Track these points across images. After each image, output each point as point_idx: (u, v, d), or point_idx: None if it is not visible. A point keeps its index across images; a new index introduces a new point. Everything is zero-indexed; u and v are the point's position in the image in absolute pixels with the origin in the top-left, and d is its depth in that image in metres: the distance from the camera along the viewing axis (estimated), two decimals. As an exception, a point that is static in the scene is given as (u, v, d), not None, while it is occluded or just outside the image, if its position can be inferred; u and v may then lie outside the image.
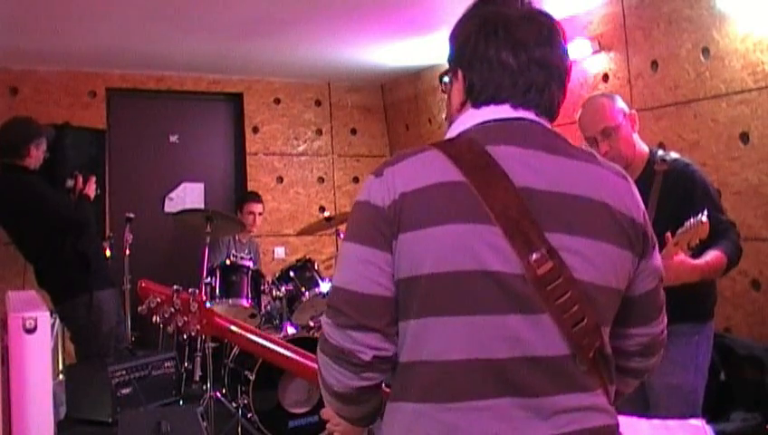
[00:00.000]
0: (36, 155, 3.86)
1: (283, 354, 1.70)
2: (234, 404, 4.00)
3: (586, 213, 1.17)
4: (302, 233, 5.22)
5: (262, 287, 4.42)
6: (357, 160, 6.42)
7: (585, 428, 1.14)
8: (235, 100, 6.09)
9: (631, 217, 1.21)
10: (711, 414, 2.73)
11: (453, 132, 1.26)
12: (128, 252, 4.71)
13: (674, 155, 2.51)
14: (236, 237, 5.15)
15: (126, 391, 3.82)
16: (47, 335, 2.39)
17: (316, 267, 4.60)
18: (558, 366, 1.14)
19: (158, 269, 4.94)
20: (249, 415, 3.92)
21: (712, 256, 2.25)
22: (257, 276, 4.44)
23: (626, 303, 1.25)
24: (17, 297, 2.79)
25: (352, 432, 1.38)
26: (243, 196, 5.55)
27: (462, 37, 1.26)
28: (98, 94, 5.51)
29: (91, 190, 4.12)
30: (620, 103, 2.48)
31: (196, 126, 5.99)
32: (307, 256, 4.81)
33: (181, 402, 4.17)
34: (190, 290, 1.72)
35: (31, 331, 2.30)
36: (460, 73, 1.26)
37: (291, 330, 4.26)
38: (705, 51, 3.59)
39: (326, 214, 5.07)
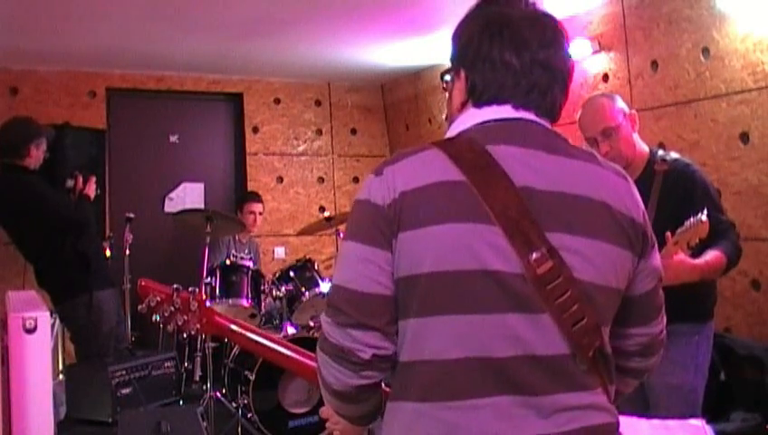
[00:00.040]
0: (36, 155, 3.86)
1: (283, 353, 1.70)
2: (234, 404, 4.00)
3: (586, 213, 1.17)
4: (302, 233, 5.22)
5: (262, 287, 4.42)
6: (357, 160, 6.42)
7: (586, 426, 1.15)
8: (235, 100, 6.10)
9: (631, 217, 1.21)
10: (711, 414, 2.73)
11: (453, 132, 1.26)
12: (128, 252, 4.71)
13: (674, 155, 2.51)
14: (236, 237, 5.16)
15: (126, 391, 3.82)
16: (47, 335, 2.39)
17: (316, 267, 4.60)
18: (558, 365, 1.14)
19: (158, 269, 4.94)
20: (249, 415, 3.92)
21: (711, 255, 2.25)
22: (257, 276, 4.44)
23: (625, 303, 1.25)
24: (17, 297, 2.79)
25: (352, 431, 1.38)
26: (243, 196, 5.55)
27: (465, 37, 1.26)
28: (98, 94, 5.51)
29: (91, 190, 4.12)
30: (620, 103, 2.48)
31: (196, 126, 6.00)
32: (307, 256, 4.81)
33: (181, 402, 4.17)
34: (190, 289, 1.72)
35: (31, 331, 2.30)
36: (462, 73, 1.26)
37: (291, 330, 4.26)
38: (705, 51, 3.59)
39: (326, 214, 5.07)
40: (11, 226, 3.95)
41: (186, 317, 1.69)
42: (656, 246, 1.28)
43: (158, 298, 1.67)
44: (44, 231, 3.83)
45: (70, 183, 4.10)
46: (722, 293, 2.82)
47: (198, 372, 4.20)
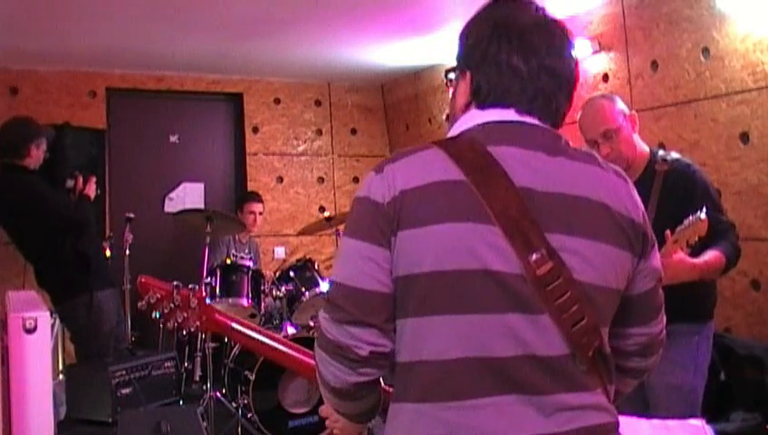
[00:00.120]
0: (36, 155, 3.86)
1: (283, 352, 1.70)
2: (234, 404, 4.01)
3: (586, 214, 1.17)
4: (302, 233, 5.22)
5: (262, 287, 4.42)
6: (357, 160, 6.42)
7: (586, 426, 1.15)
8: (235, 100, 6.10)
9: (630, 218, 1.21)
10: (711, 414, 2.74)
11: (455, 131, 1.26)
12: (128, 252, 4.72)
13: (674, 155, 2.51)
14: (236, 237, 5.16)
15: (126, 391, 3.82)
16: (47, 335, 2.39)
17: (316, 267, 4.61)
18: (558, 366, 1.14)
19: (158, 269, 4.90)
20: (249, 415, 3.92)
21: (711, 255, 2.26)
22: (257, 276, 4.44)
23: (625, 303, 1.25)
24: (17, 297, 2.79)
25: (351, 429, 1.38)
26: (243, 196, 5.55)
27: (473, 38, 1.25)
28: (98, 94, 5.51)
29: (92, 190, 4.12)
30: (620, 105, 2.48)
31: (196, 126, 6.00)
32: (307, 256, 4.82)
33: (181, 402, 4.17)
34: (190, 286, 1.72)
35: (31, 331, 2.30)
36: (468, 74, 1.26)
37: (291, 330, 4.26)
38: (705, 51, 3.59)
39: (326, 214, 5.07)
40: (11, 226, 3.95)
41: (185, 314, 1.68)
42: (656, 246, 1.28)
43: (158, 295, 1.67)
44: (44, 231, 3.83)
45: (70, 183, 4.10)
46: (722, 293, 2.82)
47: (198, 372, 4.20)
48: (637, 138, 2.49)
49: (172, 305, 1.68)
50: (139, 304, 1.68)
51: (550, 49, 1.21)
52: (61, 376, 4.32)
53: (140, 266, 4.67)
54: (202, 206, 5.74)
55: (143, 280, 1.68)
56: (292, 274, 4.53)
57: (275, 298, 4.45)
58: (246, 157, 6.03)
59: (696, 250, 2.21)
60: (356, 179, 6.35)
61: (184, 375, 4.38)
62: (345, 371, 1.18)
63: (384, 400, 1.29)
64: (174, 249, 5.69)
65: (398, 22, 4.48)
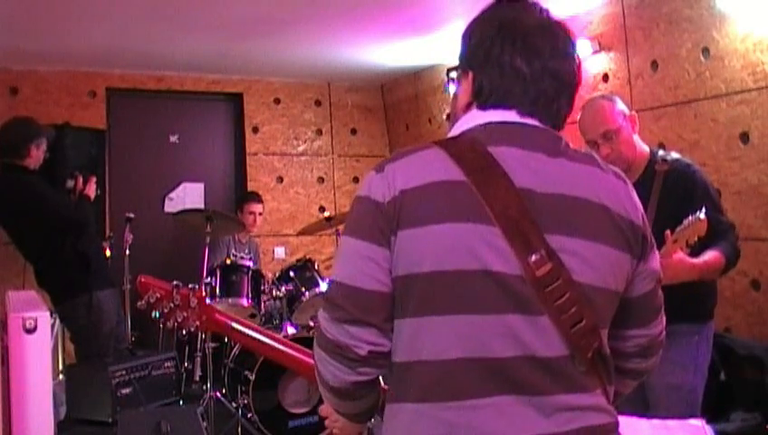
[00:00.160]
0: (37, 155, 3.86)
1: (283, 351, 1.70)
2: (234, 404, 4.01)
3: (585, 215, 1.17)
4: (302, 233, 5.22)
5: (262, 287, 4.42)
6: (357, 160, 6.42)
7: (586, 426, 1.15)
8: (235, 100, 6.10)
9: (630, 220, 1.21)
10: (711, 414, 2.73)
11: (455, 131, 1.26)
12: (128, 252, 4.72)
13: (674, 155, 2.51)
14: (236, 237, 5.16)
15: (126, 391, 3.81)
16: (47, 335, 2.40)
17: (316, 267, 4.61)
18: (557, 366, 1.14)
19: (158, 269, 4.89)
20: (249, 415, 3.92)
21: (710, 255, 2.26)
22: (257, 276, 4.44)
23: (624, 304, 1.25)
24: (17, 297, 2.79)
25: (350, 429, 1.38)
26: (243, 196, 5.55)
27: (476, 38, 1.25)
28: (98, 94, 5.51)
29: (92, 191, 4.12)
30: (620, 105, 2.48)
31: (196, 126, 6.00)
32: (307, 256, 4.82)
33: (181, 402, 4.17)
34: (190, 286, 1.72)
35: (31, 331, 2.30)
36: (470, 74, 1.25)
37: (291, 330, 4.26)
38: (705, 51, 3.59)
39: (326, 214, 5.07)
40: (11, 226, 3.95)
41: (185, 314, 1.68)
42: (655, 248, 1.28)
43: (158, 295, 1.67)
44: (44, 231, 3.83)
45: (70, 183, 4.10)
46: (722, 293, 2.82)
47: (198, 372, 4.20)
48: (637, 138, 2.49)
49: (172, 305, 1.68)
50: (139, 303, 1.68)
51: (553, 51, 1.21)
52: (61, 376, 4.32)
53: (140, 266, 4.67)
54: (202, 206, 5.74)
55: (143, 280, 1.68)
56: (292, 274, 4.53)
57: (275, 298, 4.45)
58: (246, 157, 6.03)
59: (695, 250, 2.21)
60: (356, 179, 6.35)
61: (184, 375, 4.38)
62: (344, 370, 1.18)
63: (383, 399, 1.29)
64: (174, 249, 5.69)
65: (398, 22, 4.47)
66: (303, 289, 4.45)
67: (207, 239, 4.33)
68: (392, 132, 6.54)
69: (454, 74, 1.32)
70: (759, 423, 3.10)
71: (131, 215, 4.76)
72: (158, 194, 5.78)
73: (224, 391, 4.12)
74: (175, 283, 1.70)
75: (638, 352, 1.33)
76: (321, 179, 6.29)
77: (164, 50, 4.98)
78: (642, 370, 1.37)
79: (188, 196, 5.84)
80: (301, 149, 6.23)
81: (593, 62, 4.25)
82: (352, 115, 6.44)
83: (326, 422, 1.42)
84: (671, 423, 1.73)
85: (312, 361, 1.30)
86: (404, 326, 1.17)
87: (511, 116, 1.22)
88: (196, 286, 1.73)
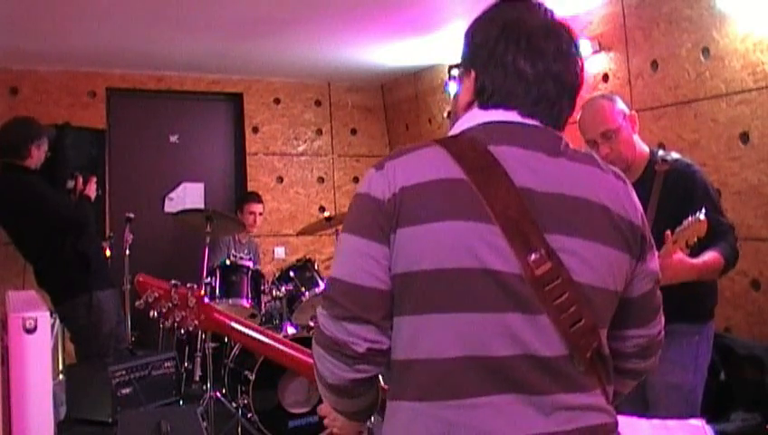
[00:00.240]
0: (37, 155, 3.86)
1: (282, 350, 1.70)
2: (234, 404, 4.00)
3: (585, 215, 1.17)
4: (302, 233, 5.22)
5: (262, 287, 4.42)
6: (357, 160, 6.42)
7: (586, 426, 1.15)
8: (235, 100, 6.10)
9: (629, 220, 1.21)
10: (711, 414, 2.73)
11: (456, 130, 1.26)
12: (128, 252, 4.71)
13: (674, 155, 2.51)
14: (236, 237, 5.16)
15: (126, 391, 3.81)
16: (47, 335, 2.40)
17: (316, 267, 4.61)
18: (556, 366, 1.14)
19: (158, 269, 4.86)
20: (249, 415, 3.92)
21: (709, 256, 2.26)
22: (257, 276, 4.44)
23: (623, 304, 1.25)
24: (17, 297, 2.79)
25: (350, 428, 1.38)
26: (243, 196, 5.55)
27: (480, 37, 1.25)
28: (98, 94, 5.51)
29: (92, 191, 4.12)
30: (620, 105, 2.48)
31: (196, 126, 6.00)
32: (307, 256, 4.81)
33: (181, 402, 4.17)
34: (188, 285, 1.71)
35: (31, 331, 2.30)
36: (473, 73, 1.25)
37: (291, 330, 4.26)
38: (705, 51, 3.59)
39: (326, 214, 5.07)
40: (11, 226, 3.95)
41: (183, 313, 1.68)
42: (654, 248, 1.28)
43: (156, 294, 1.66)
44: (44, 231, 3.82)
45: (70, 184, 4.09)
46: (722, 293, 2.82)
47: (198, 372, 4.20)
48: (637, 138, 2.49)
49: (170, 304, 1.67)
50: (137, 302, 1.68)
51: (557, 54, 1.21)
52: (61, 376, 4.32)
53: (140, 266, 4.64)
54: (202, 206, 5.74)
55: (141, 279, 1.68)
56: (292, 274, 4.53)
57: (275, 298, 4.45)
58: (246, 157, 6.03)
59: (695, 250, 2.21)
60: (356, 179, 6.34)
61: (184, 375, 4.38)
62: (342, 367, 1.18)
63: (383, 398, 1.29)
64: (174, 249, 5.69)
65: (398, 22, 4.47)
66: (303, 289, 4.45)
67: (207, 239, 4.34)
68: (392, 132, 6.54)
69: (455, 72, 1.32)
70: (759, 423, 3.10)
71: (131, 215, 4.76)
72: (158, 194, 5.78)
73: (224, 391, 4.12)
74: (173, 282, 1.70)
75: (637, 353, 1.33)
76: (321, 179, 6.29)
77: (164, 50, 4.98)
78: (641, 370, 1.37)
79: (188, 196, 5.83)
80: (301, 149, 6.23)
81: (593, 62, 4.25)
82: (352, 115, 6.44)
83: (325, 421, 1.42)
84: (671, 423, 1.73)
85: (310, 360, 1.30)
86: (403, 324, 1.17)
87: (512, 116, 1.22)
88: (195, 285, 1.73)
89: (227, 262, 4.44)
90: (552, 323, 1.13)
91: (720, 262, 2.28)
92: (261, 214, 5.28)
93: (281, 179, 6.14)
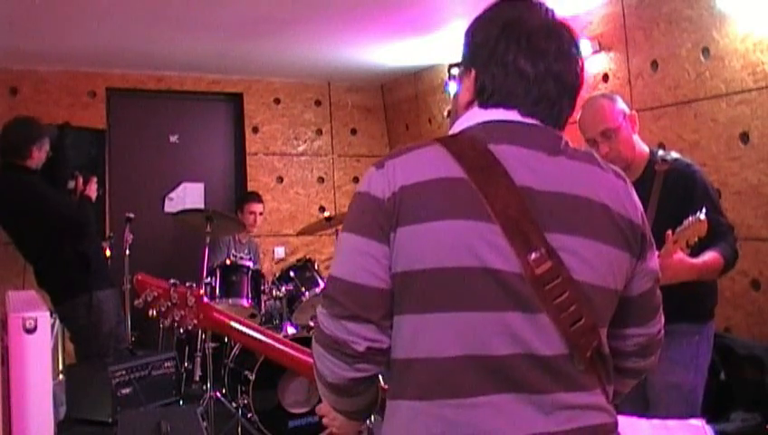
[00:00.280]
0: (38, 156, 3.85)
1: (281, 349, 1.70)
2: (234, 404, 4.00)
3: (585, 214, 1.17)
4: (302, 233, 5.22)
5: (262, 287, 4.42)
6: (357, 160, 6.42)
7: (585, 425, 1.15)
8: (235, 100, 6.10)
9: (629, 219, 1.21)
10: (711, 414, 2.73)
11: (456, 129, 1.26)
12: (128, 252, 4.71)
13: (674, 155, 2.51)
14: (236, 237, 5.16)
15: (126, 391, 3.81)
16: (47, 335, 2.39)
17: (316, 267, 4.61)
18: (556, 365, 1.14)
19: (158, 269, 4.85)
20: (249, 415, 3.92)
21: (709, 256, 2.27)
22: (257, 276, 4.44)
23: (623, 303, 1.25)
24: (17, 297, 2.79)
25: (349, 427, 1.38)
26: (243, 196, 5.55)
27: (480, 37, 1.25)
28: (98, 94, 5.51)
29: (93, 191, 4.12)
30: (621, 104, 2.48)
31: (196, 126, 6.00)
32: (307, 256, 4.82)
33: (181, 402, 4.17)
34: (187, 284, 1.71)
35: (31, 331, 2.30)
36: (473, 72, 1.25)
37: (291, 330, 4.26)
38: (705, 51, 3.59)
39: (326, 214, 5.07)
40: (11, 226, 3.95)
41: (183, 312, 1.67)
42: (654, 247, 1.28)
43: (156, 293, 1.66)
44: (44, 231, 3.82)
45: (71, 184, 4.09)
46: (722, 293, 2.82)
47: (198, 372, 4.20)
48: (636, 138, 2.49)
49: (169, 303, 1.67)
50: (136, 301, 1.67)
51: (558, 53, 1.21)
52: (61, 376, 4.32)
53: (140, 267, 4.63)
54: (202, 206, 5.73)
55: (140, 278, 1.68)
56: (292, 274, 4.53)
57: (275, 298, 4.45)
58: (246, 157, 6.03)
59: (694, 250, 2.22)
60: (356, 179, 6.34)
61: (184, 375, 4.38)
62: (342, 366, 1.18)
63: (382, 398, 1.29)
64: (174, 249, 5.69)
65: (398, 22, 4.47)
66: (303, 289, 4.45)
67: (207, 239, 4.34)
68: (392, 132, 6.54)
69: (455, 71, 1.32)
70: (759, 423, 3.10)
71: (131, 215, 4.76)
72: (158, 194, 5.78)
73: (224, 391, 4.12)
74: (172, 281, 1.69)
75: (637, 351, 1.33)
76: (321, 179, 6.29)
77: (164, 50, 4.98)
78: (641, 369, 1.37)
79: (188, 196, 5.83)
80: (301, 149, 6.23)
81: (593, 62, 4.25)
82: (352, 115, 6.44)
83: (323, 421, 1.41)
84: (671, 423, 1.73)
85: (309, 359, 1.30)
86: (403, 323, 1.17)
87: (512, 115, 1.22)
88: (194, 284, 1.72)
89: (227, 262, 4.44)
90: (552, 322, 1.13)
91: (720, 262, 2.28)
92: (261, 214, 5.28)
93: (281, 179, 6.14)
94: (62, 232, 3.84)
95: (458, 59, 1.31)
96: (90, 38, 4.58)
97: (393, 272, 1.16)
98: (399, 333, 1.18)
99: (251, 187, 5.90)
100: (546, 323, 1.13)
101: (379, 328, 1.17)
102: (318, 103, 6.31)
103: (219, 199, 5.95)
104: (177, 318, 1.67)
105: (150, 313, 1.67)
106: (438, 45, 5.00)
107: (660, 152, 2.52)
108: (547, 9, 1.25)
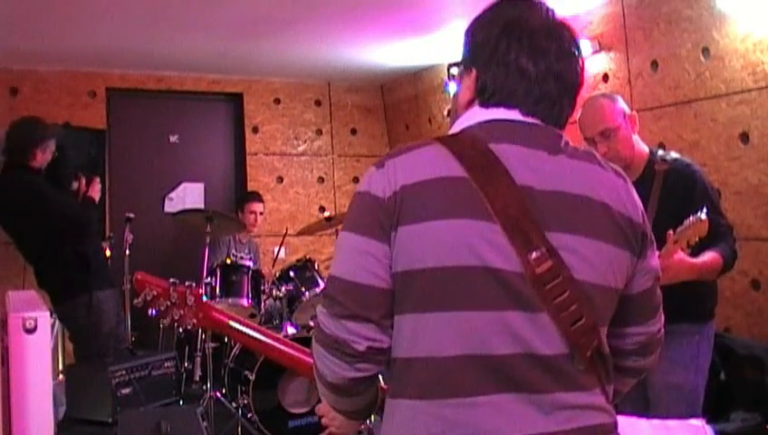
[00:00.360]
0: (42, 157, 3.84)
1: (280, 349, 1.70)
2: (234, 404, 4.00)
3: (585, 213, 1.17)
4: (302, 233, 5.22)
5: (262, 287, 4.42)
6: (357, 160, 6.42)
7: (585, 425, 1.15)
8: (235, 100, 6.10)
9: (629, 218, 1.21)
10: (711, 414, 2.73)
11: (456, 128, 1.26)
12: (128, 252, 4.71)
13: (674, 155, 2.51)
14: (236, 237, 5.16)
15: (126, 391, 3.81)
16: (47, 335, 2.40)
17: (316, 267, 4.61)
18: (556, 365, 1.14)
19: (158, 269, 4.84)
20: (249, 415, 3.92)
21: (709, 256, 2.27)
22: (257, 276, 4.44)
23: (623, 301, 1.25)
24: (17, 297, 2.79)
25: (348, 427, 1.38)
26: (244, 195, 5.55)
27: (481, 36, 1.25)
28: (98, 94, 5.51)
29: (96, 192, 4.11)
30: (621, 104, 2.48)
31: (197, 126, 6.00)
32: (307, 256, 4.82)
33: (181, 402, 4.17)
34: (187, 283, 1.71)
35: (31, 331, 2.30)
36: (474, 72, 1.25)
37: (291, 330, 4.26)
38: (705, 51, 3.59)
39: (326, 214, 5.08)
40: (11, 226, 3.95)
41: (182, 311, 1.67)
42: (654, 246, 1.28)
43: (155, 292, 1.66)
44: (45, 232, 3.82)
45: (75, 185, 4.09)
46: (722, 293, 2.83)
47: (198, 372, 4.20)
48: (636, 138, 2.49)
49: (169, 302, 1.66)
50: (136, 301, 1.67)
51: (558, 53, 1.21)
52: (61, 376, 4.32)
53: (140, 267, 4.60)
54: (202, 206, 5.74)
55: (139, 277, 1.67)
56: (292, 274, 4.53)
57: (275, 298, 4.45)
58: (246, 157, 6.03)
59: (694, 251, 2.22)
60: (356, 179, 6.34)
61: (184, 375, 4.38)
62: (342, 365, 1.18)
63: (382, 397, 1.29)
64: (174, 249, 5.69)
65: (398, 22, 4.47)
66: (303, 289, 4.45)
67: (207, 239, 4.34)
68: (392, 132, 6.54)
69: (455, 70, 1.30)
70: (759, 423, 3.10)
71: (131, 215, 4.76)
72: (158, 194, 5.78)
73: (224, 391, 4.11)
74: (172, 280, 1.69)
75: (637, 350, 1.33)
76: (321, 179, 6.29)
77: (164, 50, 4.98)
78: (641, 368, 1.37)
79: (188, 196, 5.84)
80: (301, 149, 6.23)
81: (593, 62, 4.25)
82: (352, 115, 6.44)
83: (323, 421, 1.41)
84: (671, 423, 1.73)
85: (310, 360, 1.30)
86: (404, 322, 1.17)
87: (513, 115, 1.22)
88: (193, 284, 1.72)
89: (227, 262, 4.44)
90: (552, 322, 1.13)
91: (719, 262, 2.29)
92: (261, 213, 5.28)
93: (281, 179, 6.14)
94: (63, 232, 3.84)
95: (458, 59, 1.31)
96: (90, 38, 4.58)
97: (393, 271, 1.16)
98: (400, 332, 1.18)
99: (251, 187, 5.90)
100: (546, 323, 1.13)
101: (379, 327, 1.17)
102: (318, 103, 6.31)
103: (219, 199, 5.95)
104: (176, 317, 1.67)
105: (149, 311, 1.67)
106: (438, 45, 5.00)
107: (660, 152, 2.52)
108: (547, 9, 1.25)
